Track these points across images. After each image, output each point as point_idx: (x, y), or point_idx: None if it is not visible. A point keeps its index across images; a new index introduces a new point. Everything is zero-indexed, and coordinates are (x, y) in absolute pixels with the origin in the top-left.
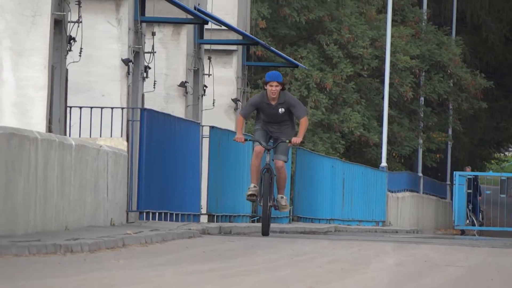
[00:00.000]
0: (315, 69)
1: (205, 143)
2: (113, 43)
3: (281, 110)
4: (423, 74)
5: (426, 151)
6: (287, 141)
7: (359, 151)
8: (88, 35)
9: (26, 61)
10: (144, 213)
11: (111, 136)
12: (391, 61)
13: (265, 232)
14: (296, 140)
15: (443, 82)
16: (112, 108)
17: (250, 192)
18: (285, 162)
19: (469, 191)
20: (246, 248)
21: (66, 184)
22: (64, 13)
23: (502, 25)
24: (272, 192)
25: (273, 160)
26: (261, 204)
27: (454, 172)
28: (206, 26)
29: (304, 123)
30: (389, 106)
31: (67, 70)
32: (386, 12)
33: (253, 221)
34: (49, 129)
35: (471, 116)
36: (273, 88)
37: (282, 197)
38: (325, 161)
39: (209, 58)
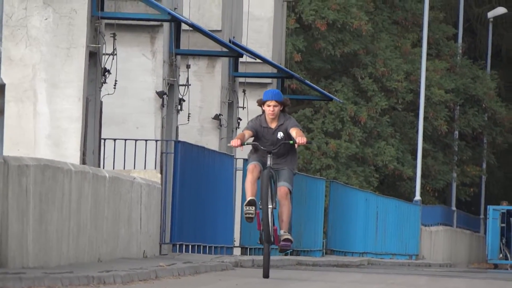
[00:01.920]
0: (350, 103)
1: (239, 175)
2: (148, 76)
3: (280, 135)
4: (458, 108)
5: (460, 185)
6: (293, 143)
7: (392, 185)
8: (122, 67)
9: (61, 93)
10: (177, 245)
11: (145, 168)
12: (425, 95)
13: (267, 238)
14: (301, 140)
15: (477, 116)
16: (146, 140)
17: (246, 209)
18: (290, 191)
19: (503, 225)
20: (280, 280)
21: (100, 216)
22: (99, 45)
23: None
24: (274, 196)
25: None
26: (262, 212)
27: (488, 206)
28: (240, 59)
29: (296, 130)
30: (423, 140)
31: (101, 102)
32: (421, 46)
33: (286, 254)
34: (83, 161)
35: (505, 150)
36: (271, 108)
37: (285, 233)
38: (358, 195)
39: (244, 91)
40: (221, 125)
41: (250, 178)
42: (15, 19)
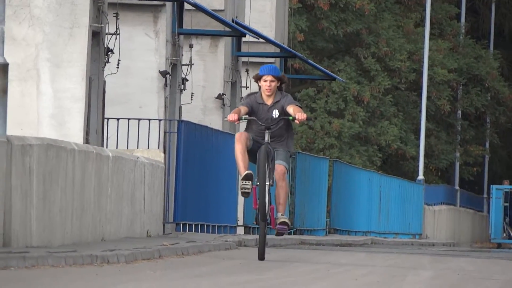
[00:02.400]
0: (353, 82)
1: None
2: (151, 55)
3: (275, 113)
4: (461, 87)
5: (463, 164)
6: (292, 117)
7: (396, 164)
8: (125, 47)
9: (64, 72)
10: (181, 225)
11: (148, 147)
12: (428, 75)
13: (263, 216)
14: (300, 116)
15: (480, 95)
16: (149, 119)
17: (242, 184)
18: (287, 170)
19: (506, 204)
20: (283, 260)
21: (103, 196)
22: (102, 25)
23: None
24: (271, 173)
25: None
26: (257, 183)
27: (491, 186)
28: (243, 39)
29: (294, 106)
30: (426, 120)
31: (104, 81)
32: (424, 26)
33: (289, 233)
34: (86, 141)
35: (508, 129)
36: (267, 84)
37: (282, 215)
38: (362, 174)
39: (247, 71)
40: (224, 105)
41: (239, 147)
42: None
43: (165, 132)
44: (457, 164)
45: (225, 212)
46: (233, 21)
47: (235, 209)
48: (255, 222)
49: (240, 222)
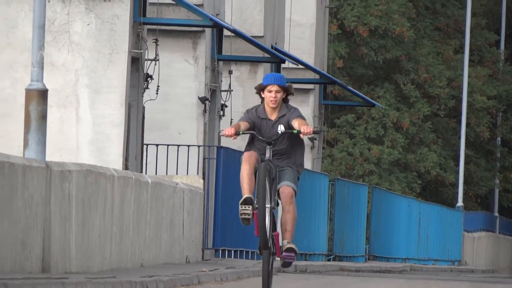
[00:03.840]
0: (392, 109)
1: None
2: (190, 81)
3: (280, 128)
4: (500, 114)
5: (502, 191)
6: (296, 131)
7: (435, 191)
8: (165, 73)
9: (103, 98)
10: (220, 251)
11: (187, 173)
12: (468, 101)
13: (264, 243)
14: (306, 129)
15: None
16: (188, 146)
17: (242, 209)
18: (295, 192)
19: None
20: (321, 286)
21: (142, 222)
22: (141, 51)
23: None
24: (273, 194)
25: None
26: (258, 212)
27: None
28: (283, 65)
29: (299, 120)
30: (465, 146)
31: (143, 107)
32: (463, 52)
33: (328, 260)
34: (126, 167)
35: None
36: (272, 95)
37: (289, 243)
38: (401, 201)
39: None
40: None
41: (245, 168)
42: (58, 25)
43: (204, 158)
44: (497, 191)
45: None
46: (272, 47)
47: None
48: (259, 252)
49: None
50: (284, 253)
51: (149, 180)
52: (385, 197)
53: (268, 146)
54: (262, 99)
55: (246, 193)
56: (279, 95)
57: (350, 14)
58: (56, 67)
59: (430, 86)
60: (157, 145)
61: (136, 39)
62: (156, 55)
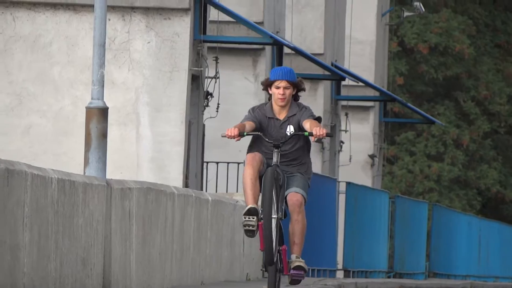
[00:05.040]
0: (452, 126)
1: (342, 198)
2: (250, 99)
3: (290, 128)
4: None
5: None
6: (307, 133)
7: (495, 208)
8: (225, 90)
9: (163, 116)
10: (307, 270)
11: None
12: None
13: (269, 258)
14: (318, 131)
15: None
16: None
17: (245, 220)
18: (305, 200)
19: None
20: None
21: (202, 239)
22: (202, 68)
23: None
24: (281, 203)
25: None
26: (263, 223)
27: None
28: (343, 82)
29: (311, 121)
30: None
31: (204, 125)
32: None
33: (388, 277)
34: (186, 184)
35: None
36: (280, 91)
37: (297, 258)
38: (461, 218)
39: (346, 114)
40: (323, 148)
41: (249, 173)
42: (118, 43)
43: None
44: None
45: (324, 256)
46: (332, 64)
47: (335, 252)
48: (263, 269)
49: (340, 266)
50: (292, 271)
51: (210, 198)
52: (445, 214)
53: (276, 150)
54: (270, 96)
55: (250, 203)
56: (288, 91)
57: (410, 32)
58: (117, 85)
59: (490, 103)
60: (217, 162)
61: (196, 57)
62: (216, 72)
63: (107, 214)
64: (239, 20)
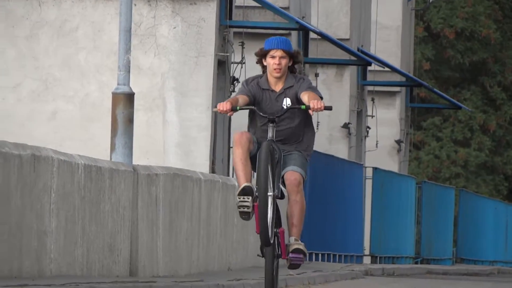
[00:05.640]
0: (479, 111)
1: (368, 184)
2: None
3: (286, 101)
4: None
5: None
6: (305, 108)
7: None
8: (251, 75)
9: (190, 101)
10: (308, 254)
11: None
12: None
13: (265, 239)
14: (316, 104)
15: None
16: None
17: (240, 201)
18: (303, 179)
19: None
20: None
21: (229, 225)
22: (228, 54)
23: None
24: (277, 180)
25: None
26: (258, 200)
27: None
28: (369, 68)
29: (309, 93)
30: None
31: None
32: None
33: (416, 263)
34: (213, 170)
35: None
36: (275, 61)
37: (296, 241)
38: (488, 203)
39: (372, 100)
40: (350, 134)
41: (238, 153)
42: (144, 28)
43: None
44: None
45: (351, 241)
46: (358, 50)
47: (362, 238)
48: (260, 255)
49: (367, 251)
50: (290, 255)
51: (236, 183)
52: (472, 199)
53: (271, 124)
54: (264, 68)
55: (243, 182)
56: (284, 61)
57: (436, 16)
58: (143, 70)
59: None
60: None
61: (222, 42)
62: (242, 58)
63: (134, 200)
64: (265, 5)
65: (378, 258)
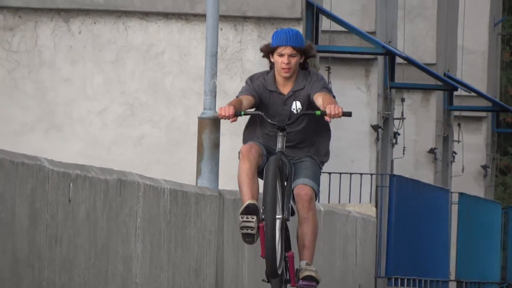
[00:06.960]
0: None
1: (454, 209)
2: (363, 109)
3: (296, 105)
4: None
5: None
6: (320, 114)
7: None
8: (337, 100)
9: None
10: (393, 279)
11: (359, 202)
12: None
13: (272, 270)
14: (334, 110)
15: None
16: (361, 174)
17: (243, 221)
18: (316, 194)
19: None
20: None
21: (315, 249)
22: None
23: None
24: (287, 200)
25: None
26: (265, 221)
27: None
28: (455, 93)
29: (324, 95)
30: None
31: None
32: None
33: None
34: None
35: None
36: (284, 60)
37: (308, 265)
38: None
39: (459, 125)
40: (436, 159)
41: (244, 167)
42: (230, 53)
43: (377, 186)
44: None
45: (437, 267)
46: (444, 74)
47: (447, 263)
48: (265, 280)
49: (452, 277)
50: (301, 282)
51: (322, 209)
52: None
53: (281, 133)
54: (272, 64)
55: (247, 199)
56: (294, 60)
57: None
58: (229, 95)
59: None
60: (329, 173)
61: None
62: (328, 82)
63: (220, 225)
64: (351, 29)
65: (464, 283)
